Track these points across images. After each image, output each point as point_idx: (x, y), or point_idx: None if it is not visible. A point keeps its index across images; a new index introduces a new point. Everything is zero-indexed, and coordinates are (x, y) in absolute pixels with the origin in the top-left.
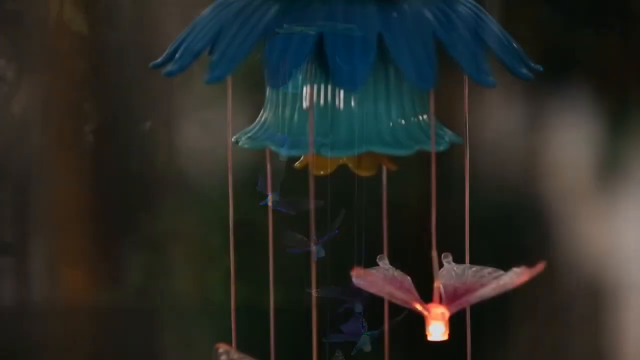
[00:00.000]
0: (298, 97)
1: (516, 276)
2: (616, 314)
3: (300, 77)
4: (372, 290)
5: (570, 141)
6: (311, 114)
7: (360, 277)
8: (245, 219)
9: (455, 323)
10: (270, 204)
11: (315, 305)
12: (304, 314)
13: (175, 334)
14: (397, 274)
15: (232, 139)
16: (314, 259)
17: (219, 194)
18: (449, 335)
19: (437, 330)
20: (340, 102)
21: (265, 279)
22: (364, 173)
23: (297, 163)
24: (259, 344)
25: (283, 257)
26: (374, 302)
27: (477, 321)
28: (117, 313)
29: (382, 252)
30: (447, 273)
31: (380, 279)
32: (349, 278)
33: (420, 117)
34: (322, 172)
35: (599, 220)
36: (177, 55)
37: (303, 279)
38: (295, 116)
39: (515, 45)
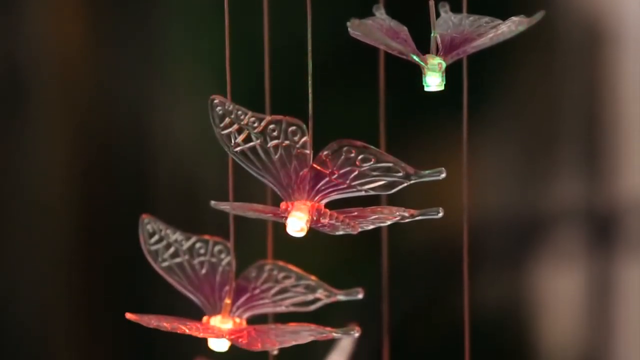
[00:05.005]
0: None
1: (514, 25)
2: (614, 61)
3: None
4: (368, 41)
5: None
6: None
7: (356, 28)
8: None
9: (451, 74)
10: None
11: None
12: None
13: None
14: (394, 24)
15: None
16: None
17: None
18: (445, 86)
19: (433, 82)
20: None
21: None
22: None
23: None
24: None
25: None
26: None
27: (475, 71)
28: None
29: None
30: (444, 23)
31: (377, 30)
32: (346, 29)
33: None
34: None
35: None
36: None
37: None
38: None
39: None
